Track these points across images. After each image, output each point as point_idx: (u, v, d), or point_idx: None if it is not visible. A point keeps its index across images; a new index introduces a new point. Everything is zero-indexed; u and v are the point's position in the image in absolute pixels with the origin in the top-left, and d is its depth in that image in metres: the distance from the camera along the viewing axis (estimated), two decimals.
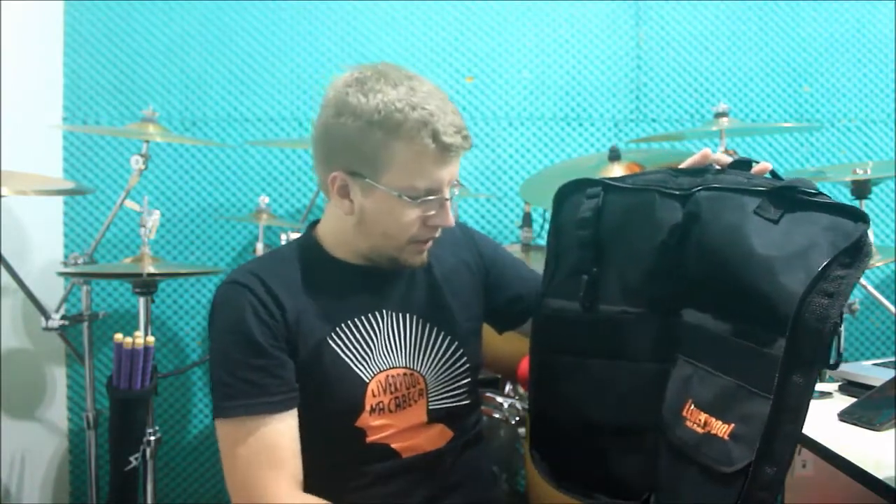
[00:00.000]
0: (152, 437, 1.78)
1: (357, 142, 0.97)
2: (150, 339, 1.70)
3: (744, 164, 0.90)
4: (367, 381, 1.04)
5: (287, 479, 0.98)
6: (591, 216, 0.97)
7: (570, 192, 1.02)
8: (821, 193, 0.78)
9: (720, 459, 0.76)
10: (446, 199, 1.02)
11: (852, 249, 0.71)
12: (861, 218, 0.72)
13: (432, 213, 1.02)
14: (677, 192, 0.90)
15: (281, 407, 0.99)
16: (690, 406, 0.82)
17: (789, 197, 0.78)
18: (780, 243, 0.76)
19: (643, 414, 0.92)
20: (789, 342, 0.70)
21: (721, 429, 0.77)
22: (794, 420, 0.71)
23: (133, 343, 1.66)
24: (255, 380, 0.98)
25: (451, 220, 1.04)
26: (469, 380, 1.13)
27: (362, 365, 1.05)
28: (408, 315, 1.10)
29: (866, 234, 0.72)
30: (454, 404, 1.11)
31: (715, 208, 0.85)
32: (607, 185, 0.97)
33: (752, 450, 0.72)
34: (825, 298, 0.70)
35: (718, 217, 0.84)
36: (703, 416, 0.80)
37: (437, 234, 1.07)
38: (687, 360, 0.87)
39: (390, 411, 1.05)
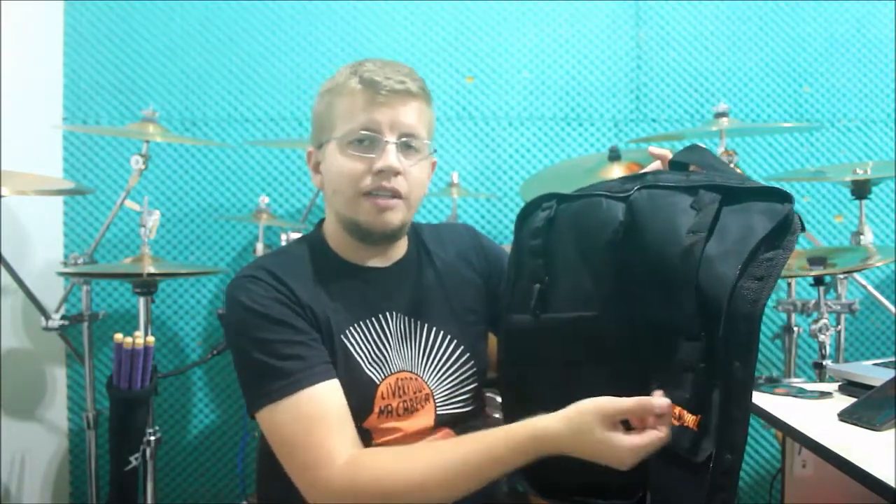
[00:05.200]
0: (152, 437, 1.78)
1: (316, 116, 1.09)
2: (150, 339, 1.69)
3: (681, 166, 0.94)
4: (378, 382, 1.04)
5: (349, 440, 0.95)
6: (543, 225, 0.99)
7: (531, 210, 1.03)
8: (750, 180, 0.80)
9: (692, 450, 0.78)
10: (386, 142, 1.01)
11: (778, 230, 0.72)
12: (787, 198, 0.74)
13: (373, 155, 1.01)
14: (621, 195, 0.92)
15: (329, 375, 0.97)
16: None
17: (724, 189, 0.79)
18: (718, 234, 0.77)
19: None
20: (725, 329, 0.72)
21: (691, 420, 0.78)
22: (740, 405, 0.72)
23: (133, 343, 1.66)
24: (298, 353, 0.96)
25: (392, 161, 1.00)
26: (476, 385, 1.13)
27: (374, 366, 1.04)
28: (415, 319, 1.09)
29: (792, 212, 0.73)
30: (461, 409, 1.10)
31: (654, 206, 0.86)
32: (561, 197, 1.00)
33: (712, 438, 0.74)
34: (755, 282, 0.71)
35: (655, 214, 0.85)
36: (677, 410, 0.81)
37: (390, 185, 1.01)
38: (656, 357, 0.87)
39: (398, 415, 1.04)
